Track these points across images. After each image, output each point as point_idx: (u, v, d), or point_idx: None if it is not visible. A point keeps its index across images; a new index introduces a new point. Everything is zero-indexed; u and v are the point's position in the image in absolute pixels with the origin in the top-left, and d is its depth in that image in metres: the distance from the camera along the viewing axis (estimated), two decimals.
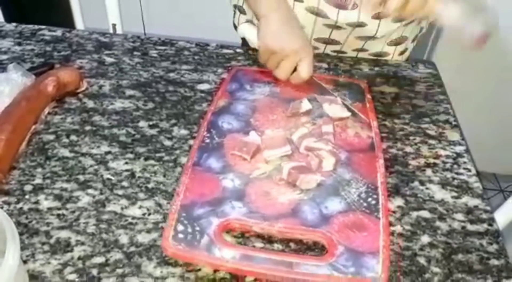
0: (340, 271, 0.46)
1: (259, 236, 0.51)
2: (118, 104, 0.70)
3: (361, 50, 0.84)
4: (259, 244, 0.51)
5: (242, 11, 0.88)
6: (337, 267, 0.46)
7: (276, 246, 0.51)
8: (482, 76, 1.45)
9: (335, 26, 0.78)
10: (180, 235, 0.48)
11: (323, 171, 0.56)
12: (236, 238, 0.51)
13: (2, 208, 0.53)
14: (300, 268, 0.46)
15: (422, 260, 0.50)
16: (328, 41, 0.82)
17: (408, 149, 0.65)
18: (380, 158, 0.60)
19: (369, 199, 0.53)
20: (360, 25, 0.77)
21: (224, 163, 0.57)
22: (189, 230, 0.49)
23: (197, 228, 0.49)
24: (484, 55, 1.39)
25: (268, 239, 0.51)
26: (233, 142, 0.60)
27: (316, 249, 0.50)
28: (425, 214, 0.56)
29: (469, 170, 0.62)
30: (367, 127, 0.64)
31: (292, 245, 0.51)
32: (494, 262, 0.51)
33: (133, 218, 0.53)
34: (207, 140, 0.60)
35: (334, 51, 0.84)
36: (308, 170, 0.55)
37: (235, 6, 0.90)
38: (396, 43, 0.84)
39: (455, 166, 0.62)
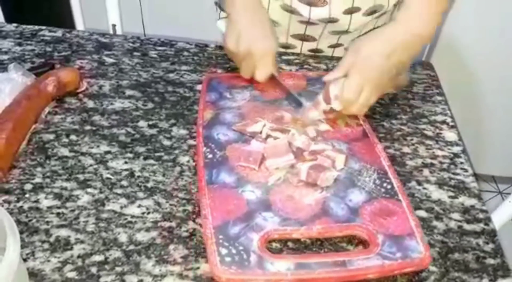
0: (389, 258, 0.47)
1: None
2: (118, 104, 0.70)
3: (337, 45, 0.85)
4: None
5: (222, 8, 0.89)
6: (385, 255, 0.48)
7: (275, 244, 0.51)
8: (480, 78, 1.46)
9: (309, 22, 0.79)
10: (227, 259, 0.47)
11: (337, 169, 0.57)
12: None
13: (2, 206, 0.53)
14: (354, 264, 0.47)
15: None
16: (304, 38, 0.83)
17: (406, 149, 0.65)
18: (377, 143, 0.61)
19: (385, 184, 0.55)
20: (332, 20, 0.78)
21: (236, 176, 0.56)
22: (233, 251, 0.48)
23: (240, 248, 0.48)
24: (482, 57, 1.40)
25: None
26: (236, 153, 0.59)
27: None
28: (422, 213, 0.56)
29: (466, 170, 0.62)
30: (353, 116, 0.66)
31: (289, 243, 0.51)
32: (490, 261, 0.51)
33: (132, 217, 0.54)
34: (210, 156, 0.59)
35: (311, 50, 0.85)
36: (323, 167, 0.56)
37: (216, 3, 0.91)
38: None
39: (452, 166, 0.63)
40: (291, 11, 0.78)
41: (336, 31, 0.81)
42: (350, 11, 0.77)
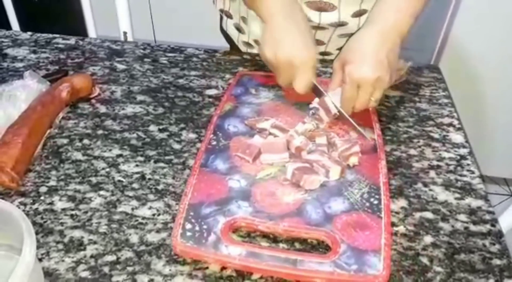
0: (343, 268, 0.47)
1: (265, 236, 0.52)
2: (129, 109, 0.72)
3: None
4: (264, 244, 0.52)
5: (229, 16, 0.89)
6: (340, 264, 0.47)
7: (282, 245, 0.52)
8: (489, 80, 1.45)
9: (319, 27, 0.80)
10: (188, 233, 0.50)
11: (331, 180, 0.57)
12: (242, 238, 0.52)
13: (18, 208, 0.55)
14: (304, 265, 0.48)
15: (424, 260, 0.51)
16: None
17: (412, 151, 0.66)
18: (382, 159, 0.61)
19: (372, 199, 0.55)
20: (342, 24, 0.79)
21: (230, 164, 0.59)
22: (197, 228, 0.51)
23: (205, 227, 0.51)
24: (490, 59, 1.40)
25: (274, 239, 0.52)
26: (238, 144, 0.61)
27: (320, 248, 0.52)
28: (428, 215, 0.56)
29: (473, 172, 0.63)
30: (369, 129, 0.66)
31: (296, 244, 0.52)
32: (496, 262, 0.51)
33: (143, 218, 0.55)
34: (214, 142, 0.62)
35: (319, 53, 0.86)
36: (311, 171, 0.57)
37: (221, 11, 0.91)
38: None
39: (459, 168, 0.63)
40: None
41: (345, 34, 0.82)
42: (359, 13, 0.78)
